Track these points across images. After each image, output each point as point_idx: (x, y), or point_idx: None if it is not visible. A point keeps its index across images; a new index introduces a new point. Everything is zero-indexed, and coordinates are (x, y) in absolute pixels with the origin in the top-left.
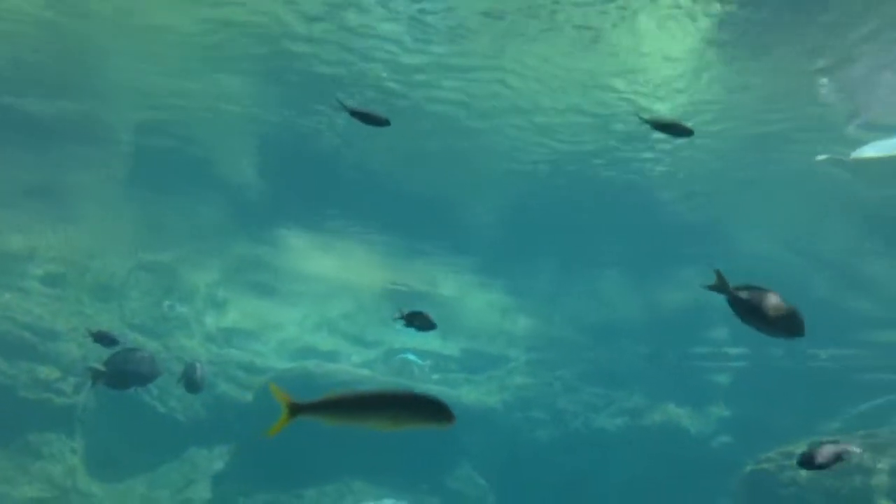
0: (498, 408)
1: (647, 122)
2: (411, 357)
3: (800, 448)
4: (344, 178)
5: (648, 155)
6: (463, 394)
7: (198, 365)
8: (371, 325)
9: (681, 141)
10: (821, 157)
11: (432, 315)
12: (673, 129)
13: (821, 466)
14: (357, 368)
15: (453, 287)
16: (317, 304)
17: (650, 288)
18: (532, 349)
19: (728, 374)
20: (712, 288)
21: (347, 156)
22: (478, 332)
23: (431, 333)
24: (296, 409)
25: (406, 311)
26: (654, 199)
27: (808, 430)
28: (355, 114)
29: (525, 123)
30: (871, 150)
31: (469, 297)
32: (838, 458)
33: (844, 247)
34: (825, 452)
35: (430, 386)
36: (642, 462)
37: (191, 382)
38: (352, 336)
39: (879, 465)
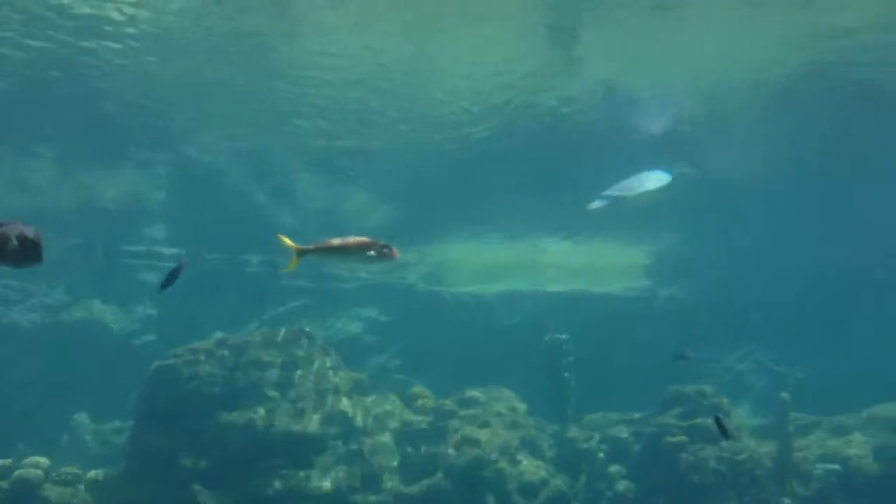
0: None
1: None
2: None
3: (205, 345)
4: None
5: (88, 44)
6: None
7: None
8: None
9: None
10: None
11: None
12: None
13: None
14: None
15: None
16: None
17: (87, 179)
18: None
19: (158, 272)
20: None
21: None
22: None
23: None
24: (301, 252)
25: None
26: (96, 90)
27: (233, 328)
28: None
29: None
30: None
31: None
32: None
33: (284, 165)
34: None
35: None
36: (57, 358)
37: None
38: None
39: (272, 361)
